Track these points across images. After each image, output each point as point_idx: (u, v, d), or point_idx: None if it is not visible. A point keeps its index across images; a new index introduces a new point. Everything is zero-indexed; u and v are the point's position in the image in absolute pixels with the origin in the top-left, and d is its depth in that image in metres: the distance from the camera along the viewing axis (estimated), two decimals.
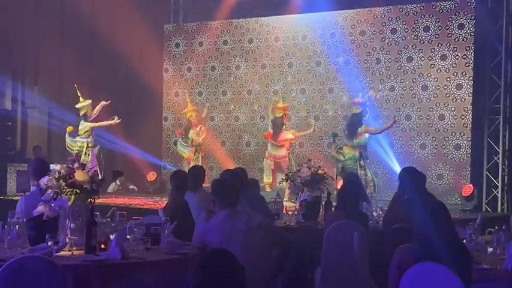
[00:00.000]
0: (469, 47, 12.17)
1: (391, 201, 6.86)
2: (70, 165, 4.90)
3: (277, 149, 11.56)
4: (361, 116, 10.75)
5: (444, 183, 12.22)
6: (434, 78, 12.44)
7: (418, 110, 12.57)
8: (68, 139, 12.31)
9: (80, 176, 4.81)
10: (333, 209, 7.04)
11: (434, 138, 12.42)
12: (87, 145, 12.22)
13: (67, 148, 12.37)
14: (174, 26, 15.52)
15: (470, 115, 12.14)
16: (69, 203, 4.76)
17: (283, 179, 8.62)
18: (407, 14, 12.74)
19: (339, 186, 8.51)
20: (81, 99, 12.24)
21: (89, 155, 12.14)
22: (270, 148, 11.67)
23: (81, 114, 12.26)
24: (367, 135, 10.77)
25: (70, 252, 4.53)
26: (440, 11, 12.44)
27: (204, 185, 7.37)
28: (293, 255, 5.99)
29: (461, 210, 11.14)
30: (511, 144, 12.01)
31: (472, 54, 12.14)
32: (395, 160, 12.37)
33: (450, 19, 12.32)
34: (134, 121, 15.26)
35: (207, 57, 14.86)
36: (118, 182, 13.84)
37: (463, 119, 12.19)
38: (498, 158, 11.98)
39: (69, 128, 12.33)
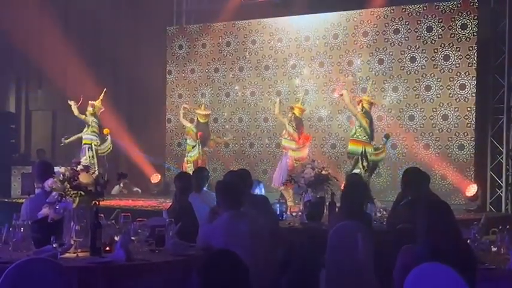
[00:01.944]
0: (472, 47, 12.17)
1: (394, 201, 6.86)
2: (74, 168, 4.91)
3: (303, 150, 11.32)
4: None
5: (448, 183, 12.21)
6: (437, 79, 12.44)
7: (422, 110, 12.56)
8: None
9: (84, 178, 4.83)
10: (337, 209, 7.05)
11: (437, 139, 12.42)
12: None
13: (102, 153, 12.38)
14: (177, 28, 15.54)
15: (474, 115, 12.13)
16: (74, 205, 4.77)
17: (287, 180, 8.60)
18: (410, 14, 12.74)
19: None
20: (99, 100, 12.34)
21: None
22: (297, 151, 11.22)
23: (99, 114, 12.36)
24: None
25: (75, 254, 4.54)
26: (443, 11, 12.43)
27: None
28: (297, 256, 6.00)
29: (465, 210, 11.12)
30: None
31: (475, 54, 12.13)
32: (398, 161, 12.38)
33: (453, 19, 12.31)
34: (138, 123, 15.29)
35: (210, 59, 14.88)
36: (122, 184, 13.86)
37: (466, 119, 12.18)
38: (502, 158, 11.96)
39: (107, 130, 12.43)
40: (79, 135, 12.51)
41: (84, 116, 12.30)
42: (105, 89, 12.49)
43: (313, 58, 13.71)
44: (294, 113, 11.40)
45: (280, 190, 10.92)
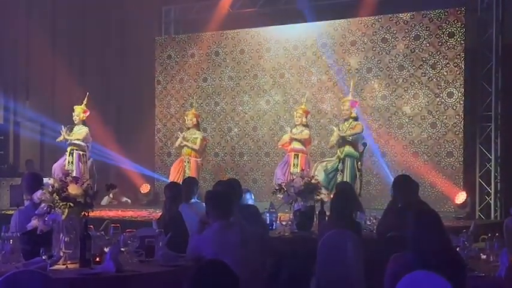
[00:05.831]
0: (459, 55, 12.23)
1: (384, 209, 6.87)
2: (63, 179, 4.89)
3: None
4: None
5: (437, 191, 12.24)
6: (425, 87, 12.49)
7: (410, 118, 12.61)
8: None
9: (73, 189, 4.81)
10: (326, 218, 7.06)
11: (426, 147, 12.46)
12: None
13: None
14: (165, 38, 15.54)
15: (462, 123, 12.18)
16: (63, 216, 4.75)
17: (276, 189, 8.55)
18: (397, 23, 12.80)
19: None
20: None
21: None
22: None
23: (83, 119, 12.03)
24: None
25: (64, 266, 4.52)
26: (431, 20, 12.49)
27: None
28: (287, 265, 6.00)
29: (455, 217, 11.17)
30: (503, 151, 12.07)
31: (463, 62, 12.19)
32: (388, 169, 12.40)
33: (440, 28, 12.37)
34: (127, 133, 15.27)
35: (199, 68, 14.89)
36: (111, 195, 13.81)
37: (454, 126, 12.23)
38: (490, 165, 12.03)
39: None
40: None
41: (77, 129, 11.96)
42: (87, 93, 12.08)
43: (302, 67, 13.74)
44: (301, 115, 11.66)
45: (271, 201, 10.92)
